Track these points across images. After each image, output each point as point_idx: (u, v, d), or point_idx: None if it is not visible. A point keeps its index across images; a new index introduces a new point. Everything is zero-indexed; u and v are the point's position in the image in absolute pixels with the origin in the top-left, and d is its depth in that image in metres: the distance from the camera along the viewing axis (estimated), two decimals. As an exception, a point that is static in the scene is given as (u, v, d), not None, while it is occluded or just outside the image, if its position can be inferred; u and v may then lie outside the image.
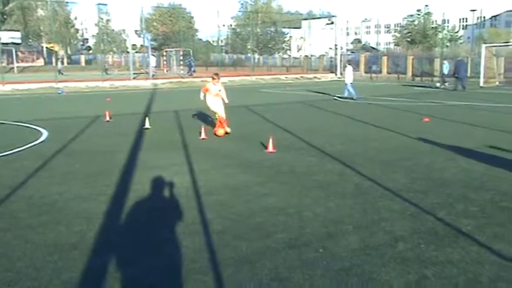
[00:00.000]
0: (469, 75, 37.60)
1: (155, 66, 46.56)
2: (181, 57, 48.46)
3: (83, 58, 76.78)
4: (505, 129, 12.82)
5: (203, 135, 11.85)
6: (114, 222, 5.89)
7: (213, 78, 12.52)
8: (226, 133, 12.20)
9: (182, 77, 40.63)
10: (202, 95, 12.54)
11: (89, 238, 5.27)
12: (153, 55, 52.45)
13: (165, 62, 54.25)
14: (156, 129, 13.32)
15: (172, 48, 56.51)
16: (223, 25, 70.48)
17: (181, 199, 6.70)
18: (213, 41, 76.36)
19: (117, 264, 4.63)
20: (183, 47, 51.48)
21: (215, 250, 4.92)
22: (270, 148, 10.05)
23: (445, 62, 32.84)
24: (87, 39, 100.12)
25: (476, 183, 7.38)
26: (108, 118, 15.44)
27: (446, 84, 30.82)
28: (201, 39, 79.24)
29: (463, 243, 5.02)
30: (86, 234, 5.39)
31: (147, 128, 13.38)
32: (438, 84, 31.46)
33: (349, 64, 24.84)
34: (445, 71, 31.54)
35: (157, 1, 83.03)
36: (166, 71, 51.26)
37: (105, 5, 77.78)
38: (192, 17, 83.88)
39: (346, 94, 23.19)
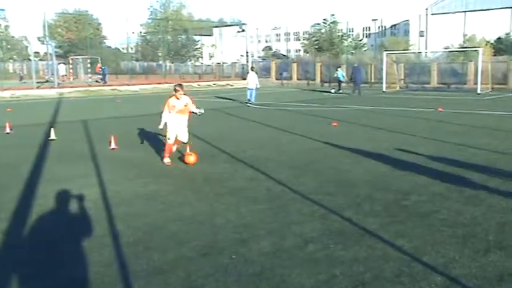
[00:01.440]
0: (373, 80, 39.66)
1: (65, 75, 44.73)
2: (88, 65, 46.83)
3: (-21, 66, 71.85)
4: (406, 131, 13.61)
5: (113, 145, 11.50)
6: (16, 239, 5.56)
7: (176, 91, 9.86)
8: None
9: (90, 85, 39.26)
10: (164, 118, 9.91)
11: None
12: (63, 63, 50.29)
13: (71, 70, 52.11)
14: (62, 140, 12.74)
15: (79, 55, 54.47)
16: (133, 32, 69.08)
17: (90, 212, 6.46)
18: (122, 48, 74.50)
19: (20, 283, 4.37)
20: (90, 55, 49.77)
21: (126, 262, 4.79)
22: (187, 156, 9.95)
23: (339, 69, 34.17)
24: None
25: (381, 184, 7.76)
26: (8, 130, 14.57)
27: (341, 91, 31.95)
28: (109, 47, 77.02)
29: (369, 241, 5.26)
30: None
31: (52, 139, 12.78)
32: (333, 91, 32.48)
33: (251, 70, 25.94)
34: (341, 78, 32.79)
35: (62, 7, 79.77)
36: (73, 79, 49.27)
37: (3, 10, 73.40)
38: (100, 24, 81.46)
39: (251, 98, 24.39)
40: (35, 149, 11.51)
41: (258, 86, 24.94)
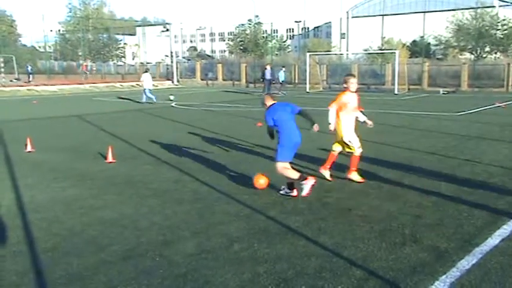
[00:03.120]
0: (297, 81, 40.48)
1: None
2: (2, 64, 44.40)
3: None
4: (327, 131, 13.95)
5: (29, 148, 10.96)
6: None
7: (348, 82, 8.07)
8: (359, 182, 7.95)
9: (4, 86, 37.21)
10: (333, 118, 8.07)
11: None
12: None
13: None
14: (-27, 144, 11.99)
15: (-8, 54, 51.48)
16: (51, 30, 66.23)
17: (3, 218, 6.11)
18: (39, 47, 71.26)
19: None
20: (3, 53, 47.18)
21: (43, 270, 4.58)
22: (110, 158, 9.68)
23: (283, 69, 34.13)
24: None
25: (303, 182, 7.90)
26: None
27: (285, 92, 32.19)
28: (25, 45, 73.44)
29: (292, 239, 5.35)
30: None
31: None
32: (281, 93, 32.33)
33: (146, 71, 26.65)
34: (282, 78, 32.96)
35: (-28, 2, 75.07)
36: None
37: None
38: (14, 21, 77.39)
39: (144, 99, 24.93)
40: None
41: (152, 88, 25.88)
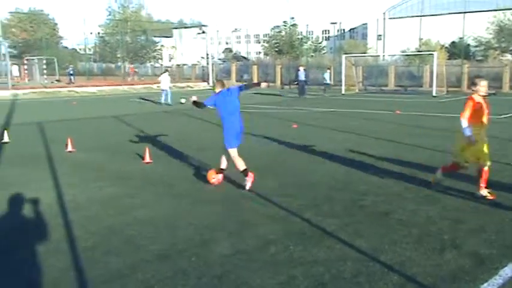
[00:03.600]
0: (332, 83, 40.16)
1: (17, 76, 43.57)
2: (44, 66, 45.70)
3: None
4: (365, 133, 13.85)
5: (70, 148, 11.24)
6: (-34, 247, 5.35)
7: (475, 85, 7.10)
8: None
9: (46, 87, 38.27)
10: (469, 130, 6.82)
11: None
12: (16, 64, 48.85)
13: (26, 71, 50.65)
14: (16, 143, 12.36)
15: (35, 56, 53.01)
16: (91, 33, 67.76)
17: (45, 216, 6.29)
18: (80, 49, 72.99)
19: (-30, 293, 4.22)
20: (46, 55, 48.52)
21: (83, 268, 4.69)
22: (147, 158, 9.84)
23: (328, 71, 33.63)
24: None
25: (339, 185, 7.87)
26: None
27: (326, 94, 31.86)
28: (66, 47, 75.35)
29: (328, 242, 5.31)
30: None
31: (5, 142, 12.38)
32: (325, 94, 31.98)
33: (165, 72, 26.72)
34: (327, 80, 32.63)
35: (16, 5, 77.52)
36: (28, 80, 47.89)
37: (-46, 8, 70.72)
38: (56, 24, 79.50)
39: (163, 100, 24.80)
40: None
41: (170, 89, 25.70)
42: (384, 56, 54.59)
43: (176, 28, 71.98)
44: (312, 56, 59.47)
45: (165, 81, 25.18)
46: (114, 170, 9.20)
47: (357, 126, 15.70)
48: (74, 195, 7.38)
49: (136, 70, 52.61)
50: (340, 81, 35.72)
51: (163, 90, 25.08)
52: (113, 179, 8.47)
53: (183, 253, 5.01)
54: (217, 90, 8.02)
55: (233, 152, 7.76)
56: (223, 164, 7.97)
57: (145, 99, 29.03)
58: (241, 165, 7.74)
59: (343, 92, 33.87)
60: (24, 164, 9.85)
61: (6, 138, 12.58)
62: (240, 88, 8.17)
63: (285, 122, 16.79)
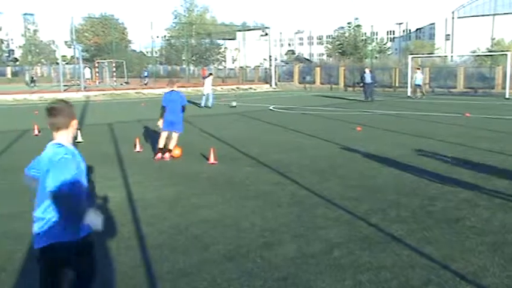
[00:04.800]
0: (397, 85, 39.23)
1: (89, 78, 45.54)
2: (114, 69, 47.54)
3: (9, 70, 73.34)
4: (432, 137, 13.42)
5: (138, 148, 11.60)
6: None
7: None
8: None
9: (115, 89, 39.77)
10: None
11: (18, 259, 5.01)
12: (88, 67, 51.09)
13: (97, 74, 52.87)
14: (88, 143, 12.91)
15: (105, 59, 55.24)
16: (157, 36, 69.71)
17: (116, 214, 6.52)
18: (147, 52, 75.28)
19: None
20: (115, 58, 50.43)
21: (152, 264, 4.81)
22: (212, 159, 10.00)
23: (418, 71, 32.17)
24: (12, 50, 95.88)
25: (407, 190, 7.66)
26: (36, 132, 14.83)
27: (422, 95, 30.97)
28: (134, 50, 77.90)
29: (396, 248, 5.18)
30: (14, 254, 5.12)
31: (79, 142, 12.94)
32: (419, 95, 31.03)
33: (209, 76, 26.96)
34: (419, 82, 31.75)
35: (89, 11, 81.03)
36: (99, 82, 49.97)
37: (32, 15, 74.58)
38: (125, 28, 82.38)
39: (210, 103, 25.22)
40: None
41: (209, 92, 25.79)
42: (452, 56, 52.75)
43: (240, 30, 72.60)
44: (376, 57, 58.37)
45: (207, 85, 25.66)
46: (181, 170, 9.40)
47: (423, 129, 15.25)
48: (142, 193, 7.60)
49: (206, 73, 54.01)
50: (406, 83, 34.79)
51: (205, 93, 25.50)
52: (180, 179, 8.66)
53: (248, 254, 5.04)
54: (167, 89, 10.87)
55: (164, 133, 10.53)
56: (161, 144, 10.48)
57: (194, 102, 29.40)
58: (161, 143, 10.47)
59: (408, 94, 32.98)
60: (96, 163, 10.24)
61: (79, 138, 13.15)
62: (183, 106, 10.87)
63: (349, 125, 16.56)
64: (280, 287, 4.31)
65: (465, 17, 67.37)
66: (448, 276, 4.44)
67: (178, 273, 4.59)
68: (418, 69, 32.97)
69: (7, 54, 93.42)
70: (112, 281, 4.46)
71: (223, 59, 77.51)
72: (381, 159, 10.16)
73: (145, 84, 45.63)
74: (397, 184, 8.03)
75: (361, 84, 29.30)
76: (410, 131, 14.73)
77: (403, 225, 5.90)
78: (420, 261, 4.81)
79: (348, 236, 5.57)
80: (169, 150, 10.50)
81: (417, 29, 79.91)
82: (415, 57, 38.43)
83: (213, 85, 26.51)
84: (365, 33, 63.86)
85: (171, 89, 10.81)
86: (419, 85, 31.46)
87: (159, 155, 10.48)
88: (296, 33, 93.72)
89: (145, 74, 50.04)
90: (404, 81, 36.12)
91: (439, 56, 51.30)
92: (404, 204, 6.80)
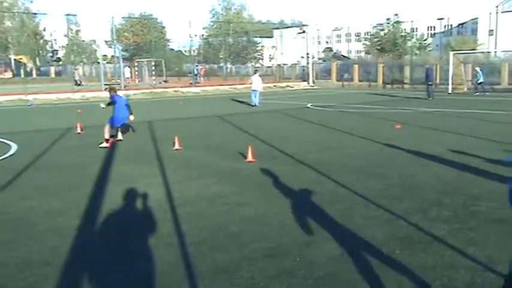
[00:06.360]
0: (438, 82, 38.37)
1: (128, 77, 46.38)
2: (153, 68, 48.25)
3: (52, 70, 75.57)
4: (474, 134, 13.08)
5: (177, 146, 11.75)
6: (87, 237, 5.78)
7: None
8: None
9: (154, 87, 40.38)
10: None
11: (62, 253, 5.15)
12: (128, 66, 52.04)
13: (136, 73, 53.77)
14: (128, 141, 13.17)
15: (144, 58, 56.14)
16: (195, 35, 70.38)
17: (156, 211, 6.62)
18: (185, 51, 76.14)
19: (90, 280, 4.53)
20: (154, 57, 51.19)
21: (191, 262, 4.86)
22: (250, 157, 10.03)
23: (477, 69, 31.90)
24: (56, 50, 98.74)
25: (449, 188, 7.49)
26: (79, 130, 15.21)
27: (483, 93, 30.41)
28: (172, 49, 78.89)
29: (437, 248, 5.07)
30: (59, 249, 5.27)
31: (119, 140, 13.21)
32: (478, 93, 30.62)
33: (255, 73, 26.63)
34: (481, 79, 31.13)
35: (128, 11, 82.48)
36: (138, 81, 50.82)
37: (75, 15, 76.83)
38: (164, 27, 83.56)
39: (257, 101, 24.73)
40: (103, 149, 11.94)
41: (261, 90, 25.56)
42: (495, 52, 51.22)
43: (277, 28, 72.57)
44: (416, 54, 57.22)
45: (256, 82, 25.16)
46: (219, 168, 9.46)
47: (465, 126, 14.88)
48: (181, 191, 7.69)
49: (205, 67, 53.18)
50: (447, 79, 34.02)
51: (254, 90, 25.03)
52: (218, 176, 8.72)
53: (288, 253, 5.03)
54: (113, 93, 13.00)
55: (108, 126, 12.34)
56: (107, 135, 12.18)
57: (238, 100, 29.44)
58: (106, 135, 12.14)
59: (449, 91, 32.25)
60: (136, 161, 10.44)
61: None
62: (127, 104, 13.04)
63: (388, 122, 16.32)
64: (319, 286, 4.29)
65: (510, 11, 65.29)
66: (494, 279, 4.31)
67: (218, 271, 4.63)
68: (479, 66, 32.32)
69: (51, 54, 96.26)
70: (152, 278, 4.53)
71: (260, 57, 77.60)
72: (421, 157, 9.97)
73: (197, 82, 45.10)
74: (438, 183, 7.86)
75: (430, 83, 27.45)
76: (451, 128, 14.39)
77: (445, 225, 5.77)
78: (463, 262, 4.69)
79: (388, 235, 5.49)
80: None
81: (459, 25, 78.04)
82: (457, 53, 37.49)
83: (250, 83, 26.36)
84: (404, 30, 62.71)
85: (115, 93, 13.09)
86: (481, 83, 30.92)
87: (108, 144, 12.26)
88: (334, 30, 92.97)
89: (195, 71, 48.55)
90: (446, 78, 35.30)
91: (482, 52, 49.88)
92: (446, 204, 6.65)
